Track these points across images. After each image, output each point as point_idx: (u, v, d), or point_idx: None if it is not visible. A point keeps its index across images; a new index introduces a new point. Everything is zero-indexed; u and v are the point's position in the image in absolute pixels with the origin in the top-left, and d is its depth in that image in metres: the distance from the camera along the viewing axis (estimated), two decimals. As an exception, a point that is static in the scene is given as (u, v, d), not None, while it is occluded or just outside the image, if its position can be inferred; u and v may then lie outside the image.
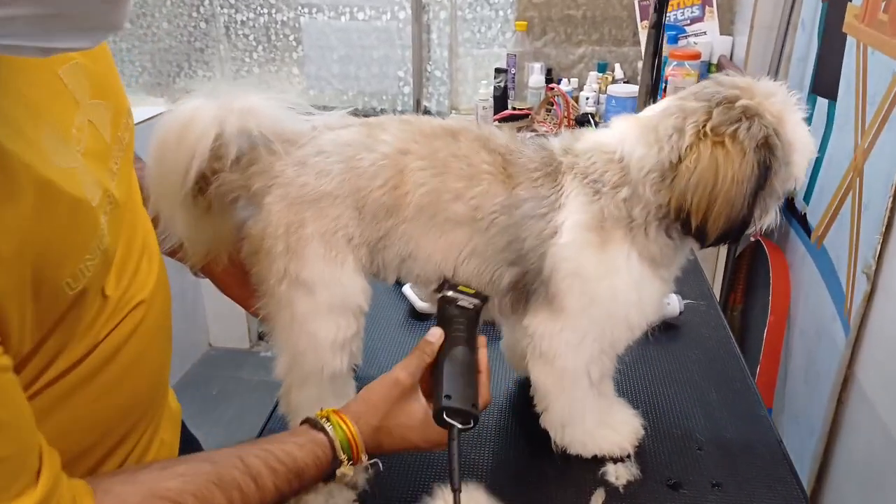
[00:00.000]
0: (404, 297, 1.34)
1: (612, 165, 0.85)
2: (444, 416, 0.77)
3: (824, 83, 1.77)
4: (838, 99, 1.67)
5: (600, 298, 0.86)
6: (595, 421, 0.94)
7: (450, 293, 0.87)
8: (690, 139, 0.80)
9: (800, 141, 0.82)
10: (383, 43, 2.60)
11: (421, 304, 1.30)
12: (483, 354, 0.85)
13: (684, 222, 0.82)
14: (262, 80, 2.79)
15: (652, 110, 0.87)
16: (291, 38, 2.69)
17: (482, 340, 0.87)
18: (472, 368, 0.82)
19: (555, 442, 0.95)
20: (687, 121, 0.81)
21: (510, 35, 2.50)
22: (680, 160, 0.81)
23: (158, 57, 2.84)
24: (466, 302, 0.87)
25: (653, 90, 1.61)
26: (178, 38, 2.78)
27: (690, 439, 0.97)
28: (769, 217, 0.85)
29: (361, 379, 1.08)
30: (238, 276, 0.96)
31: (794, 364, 1.82)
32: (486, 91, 2.33)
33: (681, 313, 1.22)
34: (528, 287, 0.89)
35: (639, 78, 2.38)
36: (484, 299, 0.88)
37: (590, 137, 0.89)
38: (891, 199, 1.28)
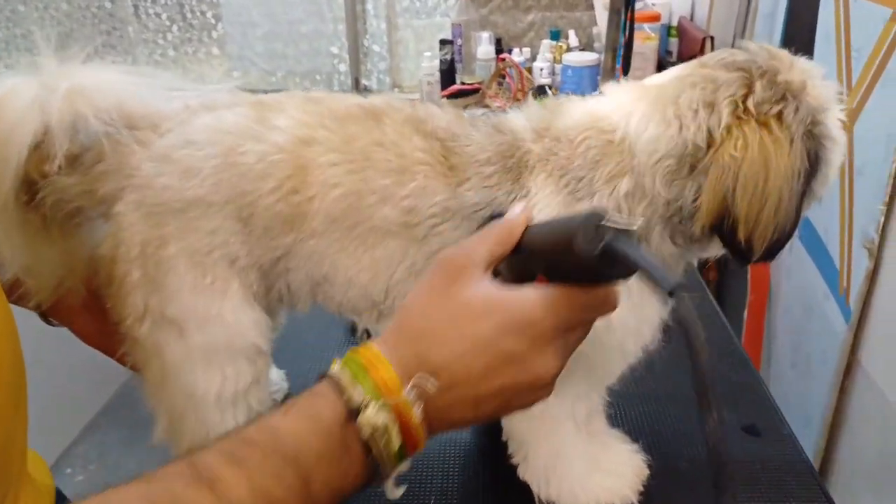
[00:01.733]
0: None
1: (608, 150, 0.65)
2: (608, 243, 0.44)
3: (797, 38, 1.63)
4: (815, 55, 1.53)
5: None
6: (586, 467, 0.76)
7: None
8: (728, 118, 0.61)
9: (839, 139, 0.65)
10: (312, 16, 2.38)
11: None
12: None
13: (725, 232, 0.63)
14: (178, 62, 2.52)
15: (662, 77, 0.68)
16: (209, 14, 2.45)
17: None
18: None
19: (538, 497, 0.75)
20: (719, 93, 0.62)
21: (454, 2, 2.32)
22: (710, 144, 0.61)
23: (59, 43, 2.53)
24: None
25: (625, 58, 1.41)
26: (81, 20, 2.49)
27: (703, 472, 0.80)
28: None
29: None
30: (98, 317, 0.74)
31: (779, 345, 1.71)
32: (431, 65, 2.14)
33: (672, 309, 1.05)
34: None
35: (595, 45, 2.23)
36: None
37: (575, 111, 0.68)
38: (894, 164, 1.14)
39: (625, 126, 0.64)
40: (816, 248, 1.49)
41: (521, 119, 0.69)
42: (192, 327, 0.67)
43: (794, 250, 1.61)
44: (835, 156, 0.65)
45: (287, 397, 0.95)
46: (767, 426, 0.86)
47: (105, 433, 0.92)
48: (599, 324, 0.65)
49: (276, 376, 0.98)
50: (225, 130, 0.67)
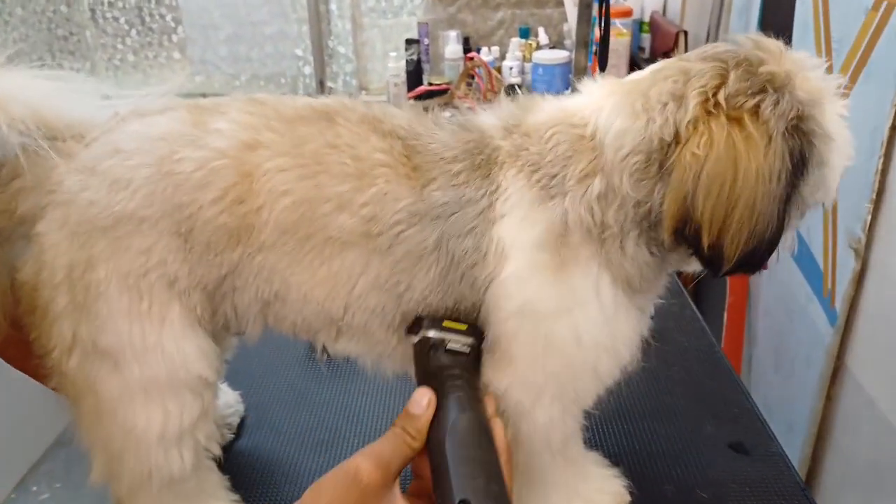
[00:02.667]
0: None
1: (580, 146, 0.59)
2: None
3: (774, 31, 1.59)
4: (792, 48, 1.49)
5: (559, 343, 0.61)
6: (564, 498, 0.70)
7: (432, 333, 0.59)
8: (695, 111, 0.55)
9: (839, 137, 0.58)
10: (276, 17, 2.30)
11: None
12: (497, 427, 0.57)
13: (689, 238, 0.57)
14: (138, 67, 2.43)
15: (640, 73, 0.62)
16: (169, 17, 2.37)
17: (489, 401, 0.59)
18: (489, 446, 0.54)
19: None
20: (689, 85, 0.56)
21: (420, 1, 2.27)
22: (678, 141, 0.56)
23: (14, 49, 2.43)
24: (458, 343, 0.59)
25: (601, 55, 1.34)
26: (36, 26, 2.40)
27: (689, 495, 0.74)
28: (789, 238, 0.62)
29: (244, 453, 0.81)
30: (24, 348, 0.66)
31: (761, 349, 1.66)
32: (397, 65, 2.08)
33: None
34: None
35: (566, 42, 2.18)
36: (479, 336, 0.61)
37: (548, 106, 0.63)
38: (880, 159, 1.09)
39: (595, 120, 0.59)
40: (798, 249, 1.45)
41: (489, 117, 0.65)
42: (129, 359, 0.61)
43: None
44: (832, 155, 0.58)
45: (242, 421, 0.89)
46: (755, 443, 0.80)
47: (72, 450, 0.85)
48: (567, 337, 0.59)
49: (231, 398, 0.91)
50: (157, 137, 0.61)
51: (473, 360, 0.60)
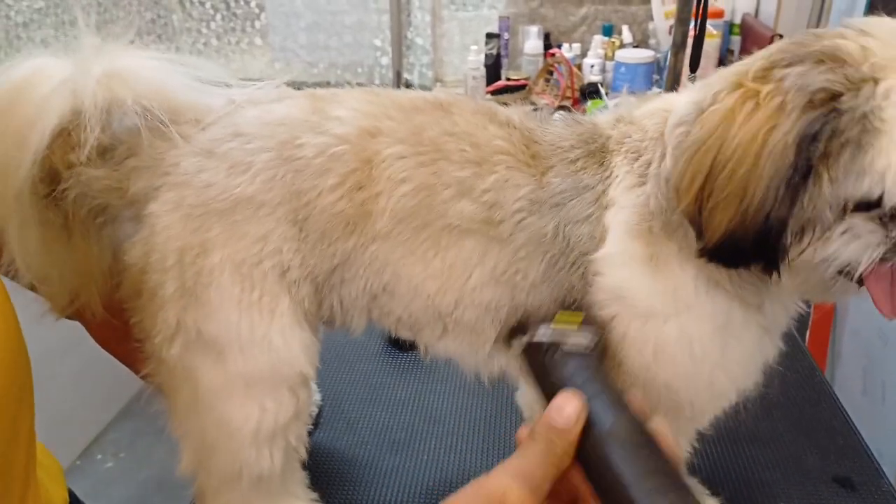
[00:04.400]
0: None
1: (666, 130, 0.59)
2: None
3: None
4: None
5: (670, 349, 0.58)
6: None
7: (543, 334, 0.50)
8: (724, 82, 0.53)
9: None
10: (356, 7, 2.30)
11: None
12: (659, 422, 0.46)
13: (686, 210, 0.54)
14: (221, 52, 2.48)
15: None
16: (253, 4, 2.41)
17: (636, 397, 0.48)
18: (661, 453, 0.44)
19: None
20: (747, 65, 0.54)
21: (501, -5, 2.23)
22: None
23: (103, 29, 2.51)
24: (579, 340, 0.49)
25: (694, 55, 1.29)
26: (126, 7, 2.47)
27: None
28: (822, 242, 0.51)
29: (320, 449, 0.80)
30: (120, 327, 0.66)
31: (846, 371, 1.58)
32: (476, 59, 2.06)
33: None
34: None
35: (650, 41, 2.11)
36: (598, 333, 0.52)
37: (655, 100, 0.63)
38: None
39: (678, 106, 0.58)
40: None
41: (601, 114, 0.65)
42: (234, 351, 0.60)
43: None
44: (884, 141, 0.48)
45: (321, 413, 0.89)
46: (863, 479, 0.76)
47: (137, 421, 0.86)
48: (678, 345, 0.57)
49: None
50: (278, 122, 0.60)
51: (600, 357, 0.50)
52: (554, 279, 0.60)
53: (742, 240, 0.51)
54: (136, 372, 0.67)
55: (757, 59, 0.53)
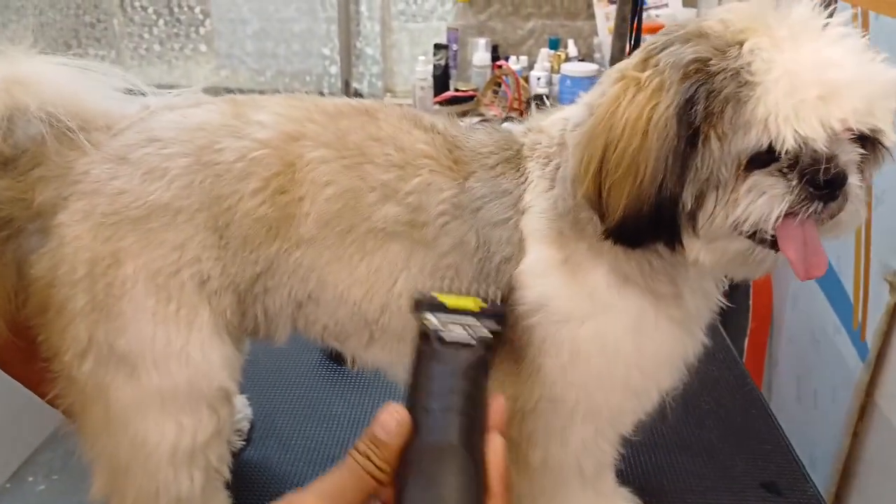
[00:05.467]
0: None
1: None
2: None
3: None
4: None
5: (586, 350, 0.59)
6: None
7: (429, 317, 0.47)
8: (610, 79, 0.55)
9: (787, 62, 0.49)
10: (305, 15, 2.29)
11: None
12: (496, 446, 0.44)
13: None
14: (164, 58, 2.42)
15: None
16: (198, 9, 2.36)
17: (496, 406, 0.46)
18: (469, 474, 0.42)
19: None
20: (630, 59, 0.57)
21: (451, 7, 2.24)
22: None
23: (40, 33, 2.43)
24: (464, 331, 0.46)
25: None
26: (64, 10, 2.40)
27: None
28: (730, 204, 0.51)
29: (250, 467, 0.78)
30: (24, 346, 0.64)
31: (782, 377, 1.63)
32: (424, 70, 2.07)
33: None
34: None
35: (595, 55, 2.15)
36: (500, 319, 0.49)
37: (565, 110, 0.65)
38: (921, 192, 1.06)
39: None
40: (827, 278, 1.41)
41: (516, 124, 0.67)
42: (149, 366, 0.58)
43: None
44: (769, 82, 0.48)
45: (252, 428, 0.87)
46: (789, 484, 0.77)
47: (70, 442, 0.83)
48: (593, 345, 0.58)
49: (239, 402, 0.88)
50: (196, 126, 0.59)
51: (482, 359, 0.46)
52: (481, 287, 0.59)
53: (640, 215, 0.52)
54: (42, 395, 0.64)
55: (636, 54, 0.55)
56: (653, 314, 0.58)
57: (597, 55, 2.14)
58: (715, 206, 0.51)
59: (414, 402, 0.45)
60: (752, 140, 0.49)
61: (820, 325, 1.42)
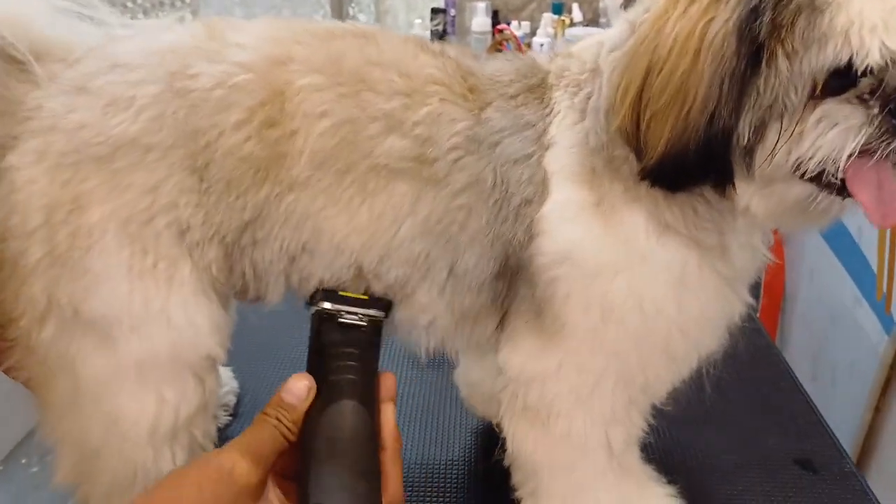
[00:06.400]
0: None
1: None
2: None
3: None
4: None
5: (618, 308, 0.51)
6: None
7: (327, 305, 0.53)
8: None
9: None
10: (295, -21, 2.22)
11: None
12: (388, 413, 0.50)
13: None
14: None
15: None
16: (183, -29, 2.26)
17: (387, 382, 0.51)
18: (366, 447, 0.48)
19: None
20: None
21: (448, -31, 2.16)
22: None
23: None
24: (355, 316, 0.52)
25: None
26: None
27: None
28: (795, 138, 0.44)
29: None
30: None
31: (795, 356, 1.58)
32: (421, 35, 1.97)
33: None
34: (510, 290, 0.54)
35: (601, 20, 2.07)
36: (385, 307, 0.55)
37: (596, 35, 0.56)
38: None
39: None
40: (846, 248, 1.35)
41: (538, 53, 0.59)
42: (124, 330, 0.51)
43: (817, 249, 1.46)
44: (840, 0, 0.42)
45: (239, 402, 0.80)
46: (825, 461, 0.71)
47: None
48: (626, 302, 0.50)
49: (224, 374, 0.81)
50: (166, 49, 0.51)
51: (371, 338, 0.53)
52: (497, 231, 0.52)
53: (685, 151, 0.45)
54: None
55: None
56: (696, 267, 0.51)
57: (602, 20, 2.06)
58: (777, 140, 0.44)
59: (314, 373, 0.49)
60: (829, 56, 0.42)
61: (839, 300, 1.37)
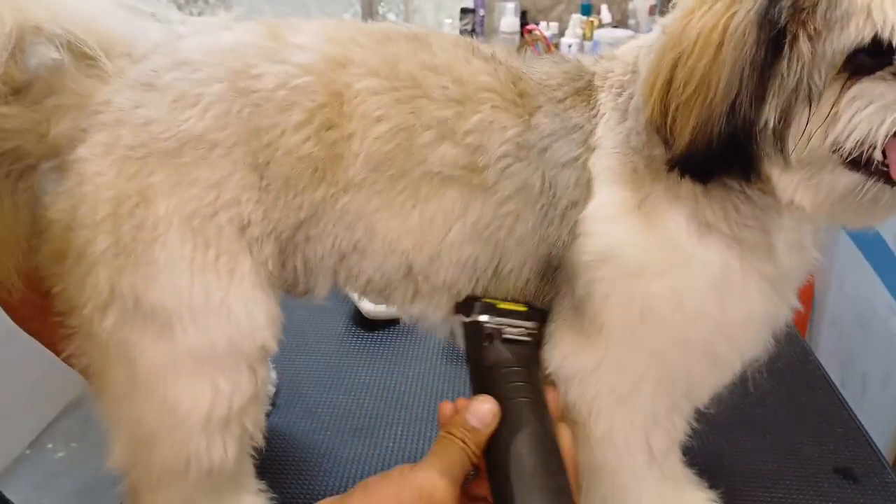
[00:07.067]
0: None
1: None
2: None
3: None
4: None
5: (660, 310, 0.52)
6: None
7: (485, 318, 0.52)
8: None
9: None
10: (326, -22, 2.24)
11: (370, 306, 0.93)
12: (564, 434, 0.51)
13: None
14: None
15: None
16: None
17: (552, 396, 0.53)
18: (558, 467, 0.48)
19: None
20: None
21: (478, -30, 2.14)
22: None
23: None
24: (518, 330, 0.52)
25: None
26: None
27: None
28: (829, 119, 0.44)
29: (275, 435, 0.74)
30: (38, 300, 0.57)
31: (823, 362, 1.55)
32: (451, 35, 1.97)
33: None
34: (551, 288, 0.56)
35: (629, 21, 2.06)
36: (541, 317, 0.55)
37: (640, 38, 0.57)
38: None
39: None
40: (878, 253, 1.34)
41: (585, 56, 0.60)
42: (184, 321, 0.52)
43: (848, 254, 1.45)
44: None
45: (277, 392, 0.82)
46: (866, 470, 0.70)
47: (90, 409, 0.78)
48: (667, 305, 0.50)
49: None
50: (229, 49, 0.53)
51: (535, 349, 0.53)
52: (543, 234, 0.53)
53: (710, 139, 0.46)
54: (55, 351, 0.58)
55: None
56: (739, 268, 0.51)
57: (631, 21, 2.05)
58: (807, 123, 0.44)
59: (486, 392, 0.50)
60: (852, 34, 0.42)
61: (869, 306, 1.35)
